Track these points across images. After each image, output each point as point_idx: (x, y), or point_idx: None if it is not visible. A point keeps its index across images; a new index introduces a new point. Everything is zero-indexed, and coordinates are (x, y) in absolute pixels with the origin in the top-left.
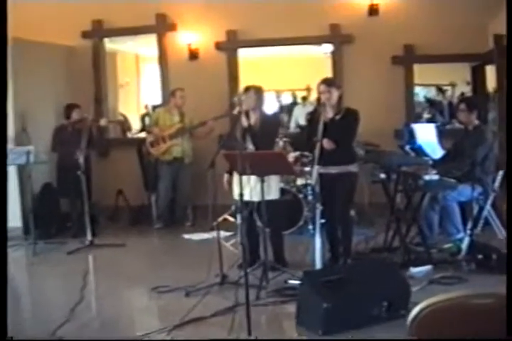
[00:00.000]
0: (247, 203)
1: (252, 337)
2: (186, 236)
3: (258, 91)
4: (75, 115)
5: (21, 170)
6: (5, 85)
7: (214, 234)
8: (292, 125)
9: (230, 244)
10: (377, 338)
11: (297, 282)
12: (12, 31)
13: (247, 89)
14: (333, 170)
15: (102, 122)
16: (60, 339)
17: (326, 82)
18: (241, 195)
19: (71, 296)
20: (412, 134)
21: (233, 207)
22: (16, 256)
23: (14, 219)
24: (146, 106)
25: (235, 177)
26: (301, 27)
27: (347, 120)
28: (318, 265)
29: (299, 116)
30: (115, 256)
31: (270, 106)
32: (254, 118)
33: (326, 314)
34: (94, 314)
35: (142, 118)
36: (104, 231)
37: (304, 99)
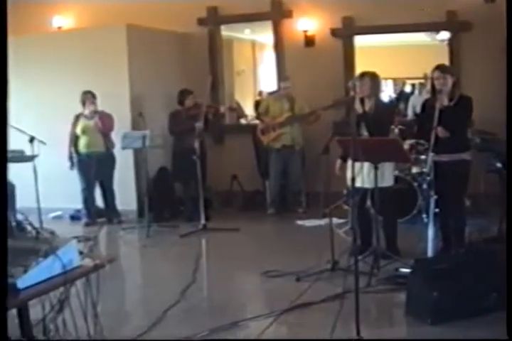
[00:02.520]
0: (359, 189)
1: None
2: (299, 222)
3: (373, 77)
4: (188, 101)
5: (137, 153)
6: (5, 84)
7: (327, 220)
8: (409, 113)
9: (342, 231)
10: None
11: (408, 270)
12: (128, 18)
13: (362, 75)
14: (446, 157)
15: (222, 109)
16: (60, 340)
17: (441, 68)
18: (353, 179)
19: (183, 278)
20: None
21: (345, 192)
22: (130, 239)
23: (129, 202)
24: (260, 93)
25: (349, 163)
26: (417, 14)
27: (460, 107)
28: (430, 254)
29: (416, 105)
30: (228, 240)
31: (388, 95)
32: (369, 104)
33: (436, 303)
34: (205, 296)
35: (256, 105)
36: (218, 215)
37: (422, 87)
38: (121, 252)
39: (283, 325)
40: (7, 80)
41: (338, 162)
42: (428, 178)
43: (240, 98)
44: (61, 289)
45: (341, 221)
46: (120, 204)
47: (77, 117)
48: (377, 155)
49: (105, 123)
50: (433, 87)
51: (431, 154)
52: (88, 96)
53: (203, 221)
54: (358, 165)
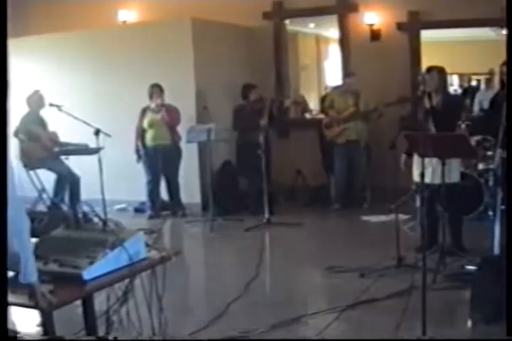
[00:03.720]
0: (428, 185)
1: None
2: (364, 217)
3: (441, 72)
4: (253, 95)
5: (202, 147)
6: (5, 83)
7: (392, 216)
8: (476, 109)
9: (407, 227)
10: None
11: (474, 268)
12: (193, 12)
13: (430, 69)
14: None
15: (287, 103)
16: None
17: None
18: (422, 175)
19: (246, 272)
20: None
21: (413, 187)
22: (194, 232)
23: (194, 195)
24: (325, 88)
25: (415, 158)
26: (483, 9)
27: None
28: (497, 251)
29: (483, 100)
30: (292, 234)
31: (453, 89)
32: (436, 99)
33: (501, 301)
34: (268, 291)
35: (322, 100)
36: (282, 209)
37: (488, 82)
38: (186, 245)
39: (346, 322)
40: (7, 80)
41: (403, 157)
42: (495, 175)
43: (304, 92)
44: (125, 281)
45: (407, 217)
46: (184, 198)
47: (144, 110)
48: (445, 150)
49: (172, 116)
50: (502, 81)
51: (499, 150)
52: (155, 90)
53: (267, 215)
54: (426, 160)
